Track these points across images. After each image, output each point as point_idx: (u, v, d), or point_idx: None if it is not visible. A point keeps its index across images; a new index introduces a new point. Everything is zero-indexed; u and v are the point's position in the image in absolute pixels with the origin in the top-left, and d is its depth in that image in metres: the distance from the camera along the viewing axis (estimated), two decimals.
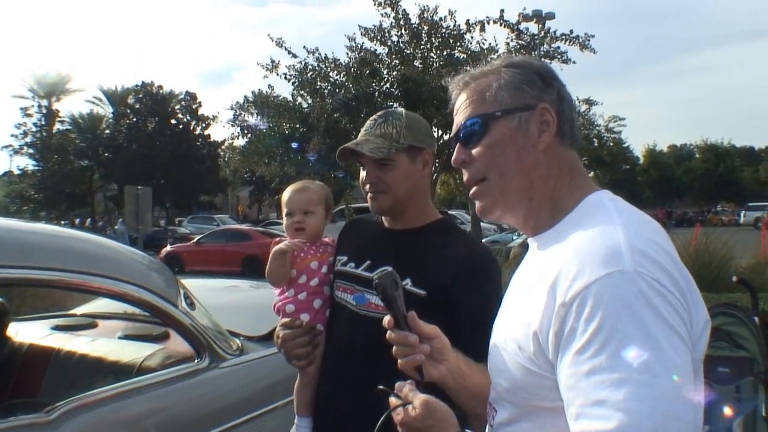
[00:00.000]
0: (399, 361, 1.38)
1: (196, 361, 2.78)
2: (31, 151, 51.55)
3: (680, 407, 0.98)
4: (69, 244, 2.57)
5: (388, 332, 1.38)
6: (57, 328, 3.47)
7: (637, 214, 1.20)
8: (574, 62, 16.37)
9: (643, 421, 0.95)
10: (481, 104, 1.31)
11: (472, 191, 1.35)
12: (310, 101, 13.96)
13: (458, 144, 1.35)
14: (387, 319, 1.38)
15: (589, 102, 19.17)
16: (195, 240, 23.77)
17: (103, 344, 3.12)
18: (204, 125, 53.52)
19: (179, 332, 2.77)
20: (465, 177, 1.36)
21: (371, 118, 2.16)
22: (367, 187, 2.13)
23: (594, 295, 1.04)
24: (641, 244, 1.08)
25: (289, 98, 14.43)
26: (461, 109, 1.35)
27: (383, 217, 2.23)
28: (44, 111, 53.03)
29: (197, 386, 2.71)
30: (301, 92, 14.23)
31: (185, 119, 54.52)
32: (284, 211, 2.34)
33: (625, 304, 1.02)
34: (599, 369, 1.00)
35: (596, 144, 25.57)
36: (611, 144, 28.02)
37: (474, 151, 1.31)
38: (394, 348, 1.38)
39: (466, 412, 1.49)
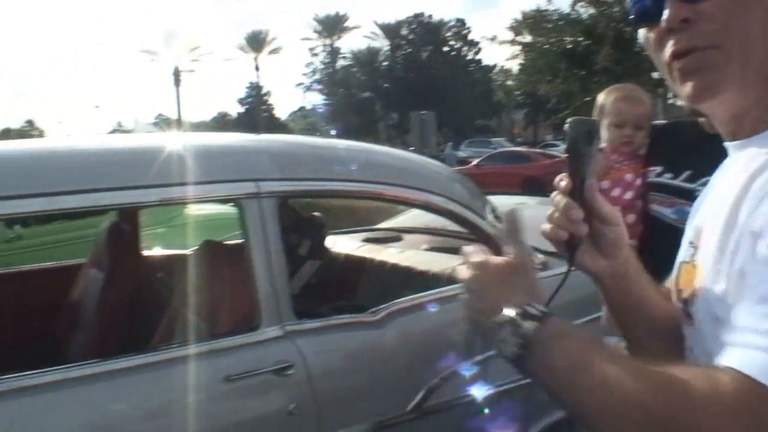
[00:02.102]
0: (548, 228, 1.04)
1: None
2: (319, 87, 56.53)
3: None
4: (375, 158, 2.68)
5: (554, 192, 1.04)
6: (367, 240, 3.72)
7: None
8: None
9: None
10: None
11: (689, 58, 0.90)
12: (592, 11, 13.21)
13: None
14: (561, 181, 1.04)
15: None
16: (475, 163, 24.11)
17: (411, 255, 3.25)
18: (476, 50, 53.79)
19: (486, 244, 2.77)
20: (680, 44, 0.90)
21: None
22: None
23: None
24: None
25: (568, 11, 13.81)
26: None
27: (709, 121, 1.96)
28: (328, 49, 57.47)
29: None
30: (581, 2, 13.51)
31: (457, 45, 55.20)
32: (609, 119, 2.22)
33: None
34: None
35: None
36: None
37: (703, 6, 0.87)
38: (551, 211, 1.04)
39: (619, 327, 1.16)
